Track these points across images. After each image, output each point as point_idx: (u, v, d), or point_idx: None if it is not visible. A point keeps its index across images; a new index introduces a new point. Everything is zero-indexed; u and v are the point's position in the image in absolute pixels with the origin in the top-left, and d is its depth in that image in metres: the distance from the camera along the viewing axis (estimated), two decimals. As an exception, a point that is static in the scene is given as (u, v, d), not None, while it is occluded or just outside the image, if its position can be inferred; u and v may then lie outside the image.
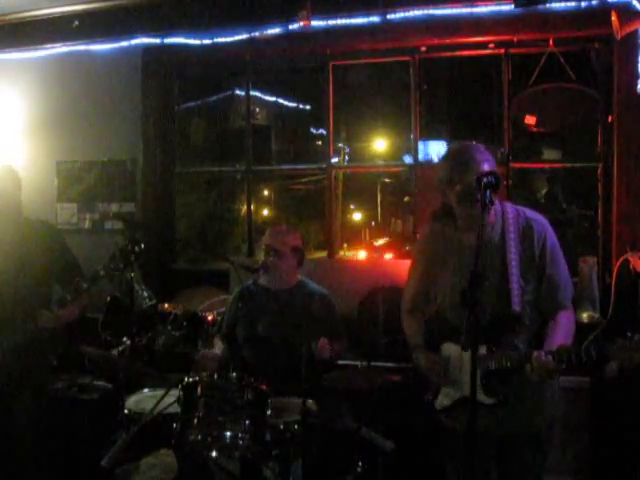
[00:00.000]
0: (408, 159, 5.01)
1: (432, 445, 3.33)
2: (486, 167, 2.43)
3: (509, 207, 2.59)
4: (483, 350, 2.45)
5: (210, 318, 4.12)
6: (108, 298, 4.55)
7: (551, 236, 2.57)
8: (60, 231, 3.32)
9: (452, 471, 2.74)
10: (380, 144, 6.15)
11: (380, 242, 6.62)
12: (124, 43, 5.06)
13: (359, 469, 3.01)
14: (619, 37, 3.76)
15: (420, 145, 4.86)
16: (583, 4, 4.08)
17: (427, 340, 2.73)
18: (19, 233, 3.10)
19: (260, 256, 3.57)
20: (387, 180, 6.72)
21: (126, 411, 3.09)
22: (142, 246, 2.98)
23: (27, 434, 3.06)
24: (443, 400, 2.62)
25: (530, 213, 2.63)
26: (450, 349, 2.61)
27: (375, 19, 4.47)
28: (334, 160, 5.26)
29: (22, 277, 3.03)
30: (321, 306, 3.52)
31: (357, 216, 7.26)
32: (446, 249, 2.64)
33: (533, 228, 2.54)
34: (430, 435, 3.43)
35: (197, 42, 4.89)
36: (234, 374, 2.85)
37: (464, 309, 2.40)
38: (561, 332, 2.46)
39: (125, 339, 4.15)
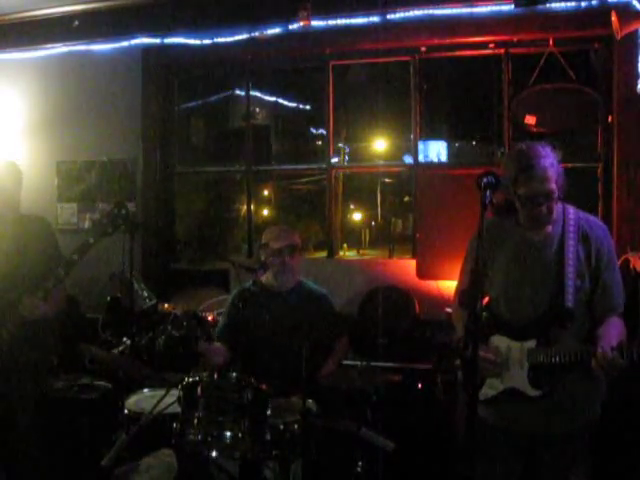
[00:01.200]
0: (408, 159, 5.01)
1: (439, 439, 3.34)
2: (550, 174, 2.46)
3: (571, 209, 2.63)
4: (533, 343, 2.49)
5: (210, 318, 4.12)
6: (108, 298, 4.56)
7: (609, 242, 2.61)
8: (52, 227, 3.31)
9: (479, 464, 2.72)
10: (380, 144, 6.15)
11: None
12: (124, 43, 5.07)
13: (359, 469, 3.01)
14: (619, 37, 3.76)
15: (420, 145, 4.86)
16: (583, 4, 4.08)
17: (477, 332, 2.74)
18: (16, 229, 3.10)
19: (265, 255, 3.53)
20: (387, 180, 6.72)
21: (126, 411, 3.09)
22: (128, 209, 3.00)
23: (27, 434, 3.06)
24: (488, 391, 2.62)
25: (591, 218, 2.68)
26: (499, 341, 2.62)
27: (375, 19, 4.48)
28: (334, 160, 5.26)
29: (20, 273, 3.03)
30: (320, 305, 3.53)
31: (357, 216, 7.26)
32: (502, 243, 2.66)
33: (592, 231, 2.58)
34: (433, 432, 3.44)
35: (197, 42, 4.89)
36: (234, 374, 2.85)
37: (518, 302, 2.52)
38: (615, 332, 2.48)
39: (125, 339, 4.15)
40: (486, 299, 2.73)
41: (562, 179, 2.52)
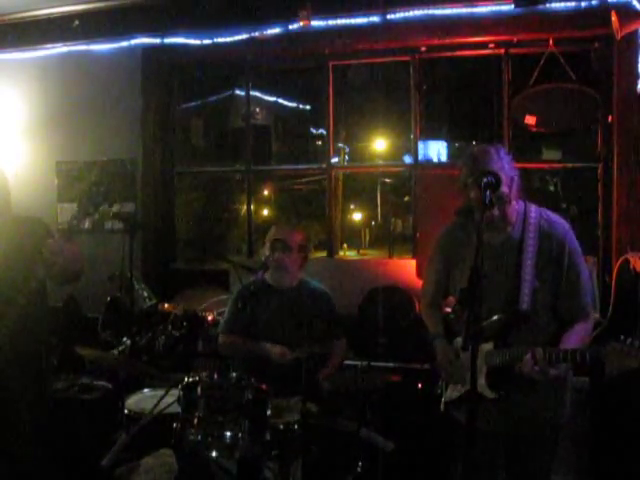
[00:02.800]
0: (408, 159, 5.01)
1: (439, 439, 3.35)
2: (501, 177, 2.42)
3: (533, 208, 2.61)
4: (490, 346, 2.49)
5: (210, 318, 4.12)
6: (108, 298, 4.55)
7: (571, 240, 2.58)
8: (49, 227, 3.30)
9: (460, 465, 2.74)
10: (380, 144, 6.15)
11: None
12: (124, 43, 5.07)
13: (359, 469, 3.01)
14: (619, 37, 3.76)
15: (420, 145, 4.86)
16: (583, 4, 4.08)
17: (444, 333, 2.75)
18: (11, 231, 3.10)
19: (263, 253, 3.55)
20: (387, 180, 6.72)
21: (126, 411, 3.09)
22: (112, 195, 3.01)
23: (27, 433, 3.05)
24: (452, 393, 2.64)
25: (553, 216, 2.64)
26: (460, 344, 2.62)
27: (375, 19, 4.47)
28: (334, 160, 5.26)
29: (16, 272, 3.02)
30: (322, 304, 3.53)
31: (357, 216, 7.27)
32: (466, 245, 2.66)
33: (553, 230, 2.55)
34: (433, 432, 3.45)
35: (197, 42, 4.89)
36: (234, 374, 2.85)
37: (468, 306, 2.44)
38: (573, 338, 2.46)
39: (125, 339, 4.15)
40: (452, 300, 2.74)
41: (516, 181, 2.51)
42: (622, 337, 2.21)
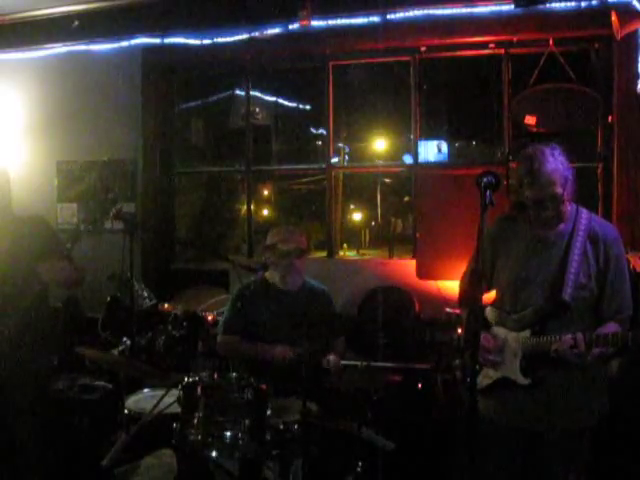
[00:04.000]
0: (408, 159, 5.01)
1: (429, 442, 3.34)
2: (555, 177, 2.46)
3: (584, 212, 2.65)
4: (527, 333, 2.52)
5: (210, 318, 4.12)
6: (108, 298, 4.55)
7: (619, 247, 2.61)
8: (44, 219, 3.29)
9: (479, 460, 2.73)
10: (380, 144, 6.15)
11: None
12: (124, 43, 5.07)
13: (359, 469, 3.01)
14: (619, 37, 3.76)
15: (420, 145, 4.86)
16: (583, 4, 4.08)
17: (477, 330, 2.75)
18: (11, 231, 3.10)
19: (273, 256, 3.52)
20: (387, 180, 6.72)
21: (126, 411, 3.08)
22: (112, 194, 3.02)
23: (28, 433, 3.05)
24: (483, 380, 2.64)
25: (602, 221, 2.71)
26: (498, 331, 2.64)
27: (375, 19, 4.48)
28: (334, 160, 5.27)
29: (17, 273, 3.02)
30: (321, 303, 3.53)
31: (357, 216, 7.26)
32: (514, 237, 2.68)
33: (602, 234, 2.59)
34: (433, 432, 3.44)
35: (197, 42, 4.89)
36: (234, 374, 2.85)
37: (521, 295, 2.54)
38: (609, 327, 2.48)
39: (125, 339, 4.15)
40: (493, 294, 2.75)
41: (570, 182, 2.52)
42: None
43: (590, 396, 2.59)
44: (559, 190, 2.47)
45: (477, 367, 2.62)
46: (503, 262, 2.71)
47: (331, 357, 3.32)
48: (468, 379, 2.65)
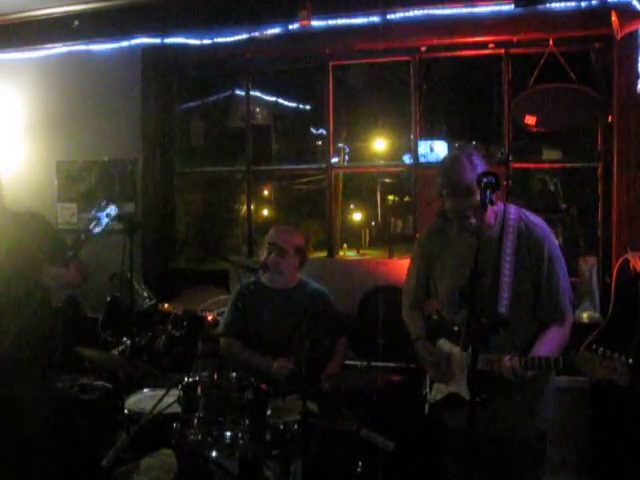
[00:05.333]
0: (408, 159, 5.00)
1: (430, 441, 3.35)
2: (474, 186, 2.38)
3: (512, 210, 2.59)
4: (469, 350, 2.46)
5: (210, 318, 4.12)
6: (108, 298, 4.55)
7: (551, 243, 2.56)
8: (42, 217, 3.29)
9: (450, 466, 2.75)
10: (380, 144, 6.15)
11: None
12: (124, 43, 5.06)
13: (359, 469, 3.01)
14: (619, 37, 3.76)
15: (420, 145, 4.86)
16: (583, 4, 4.07)
17: (427, 335, 2.75)
18: (9, 228, 3.09)
19: (262, 254, 3.56)
20: (387, 180, 6.72)
21: (126, 411, 3.09)
22: (114, 210, 3.02)
23: (29, 434, 3.05)
24: (436, 394, 2.65)
25: (532, 217, 2.62)
26: (444, 345, 2.62)
27: (375, 19, 4.47)
28: (334, 160, 5.26)
29: (13, 270, 3.02)
30: (322, 305, 3.53)
31: (357, 216, 7.27)
32: (446, 248, 2.66)
33: (533, 232, 2.54)
34: (427, 432, 3.45)
35: (197, 42, 4.89)
36: (234, 374, 2.85)
37: (459, 307, 2.49)
38: (547, 345, 2.46)
39: (125, 339, 4.15)
40: (435, 304, 2.75)
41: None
42: (594, 346, 2.22)
43: (536, 405, 2.58)
44: (478, 198, 2.41)
45: (434, 379, 2.64)
46: (438, 274, 2.69)
47: (327, 384, 3.27)
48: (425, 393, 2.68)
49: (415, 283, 2.84)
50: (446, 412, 2.65)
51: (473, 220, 2.47)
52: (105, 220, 3.01)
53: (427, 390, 2.72)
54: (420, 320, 2.80)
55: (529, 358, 2.36)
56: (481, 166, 2.49)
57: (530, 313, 2.54)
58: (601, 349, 2.19)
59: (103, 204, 3.04)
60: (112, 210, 3.04)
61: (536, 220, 2.62)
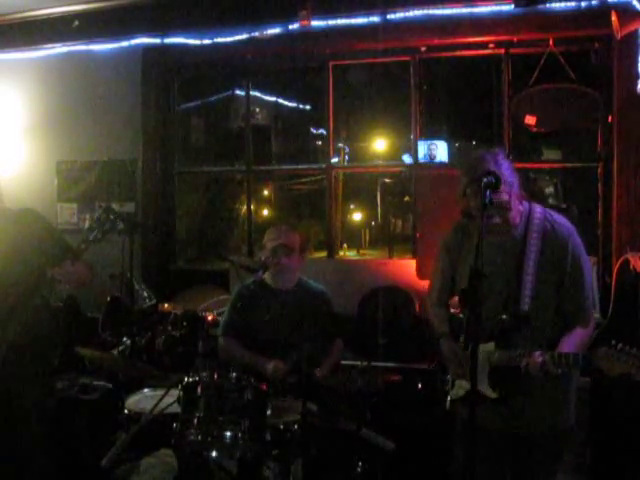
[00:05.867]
0: (408, 159, 5.01)
1: (440, 439, 3.35)
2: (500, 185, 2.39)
3: (538, 209, 2.60)
4: (491, 346, 2.49)
5: (210, 318, 4.12)
6: (108, 298, 4.55)
7: (575, 243, 2.56)
8: (40, 214, 3.28)
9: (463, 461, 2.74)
10: (380, 144, 6.16)
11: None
12: (124, 43, 5.06)
13: (359, 469, 3.01)
14: (619, 37, 3.76)
15: (420, 145, 4.86)
16: (583, 4, 4.07)
17: (450, 332, 2.76)
18: (5, 226, 3.08)
19: (264, 255, 3.54)
20: (387, 180, 6.73)
21: (126, 411, 3.08)
22: (117, 213, 3.01)
23: (30, 436, 3.05)
24: (458, 391, 2.64)
25: (557, 217, 2.63)
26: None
27: (375, 19, 4.47)
28: (334, 160, 5.27)
29: (11, 267, 3.01)
30: (321, 304, 3.52)
31: (357, 216, 7.28)
32: (467, 246, 2.67)
33: (557, 232, 2.54)
34: (433, 432, 3.45)
35: (197, 42, 4.89)
36: (234, 374, 2.85)
37: (482, 306, 2.45)
38: (571, 343, 2.46)
39: (125, 339, 4.15)
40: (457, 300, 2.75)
41: (516, 186, 2.49)
42: (613, 342, 2.22)
43: (557, 402, 2.58)
44: (504, 197, 2.43)
45: (456, 376, 2.65)
46: (462, 271, 2.68)
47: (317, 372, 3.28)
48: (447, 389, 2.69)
49: (440, 281, 2.84)
50: (466, 408, 2.65)
51: (497, 219, 2.48)
52: (101, 233, 3.01)
53: (449, 386, 2.72)
54: (444, 317, 2.80)
55: (560, 354, 2.36)
56: (505, 166, 2.49)
57: (553, 312, 2.55)
58: (620, 345, 2.20)
59: (103, 216, 3.02)
60: (110, 224, 3.03)
61: (561, 220, 2.62)
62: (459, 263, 2.71)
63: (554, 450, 2.61)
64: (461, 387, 2.64)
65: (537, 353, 2.37)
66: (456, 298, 2.75)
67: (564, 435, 2.63)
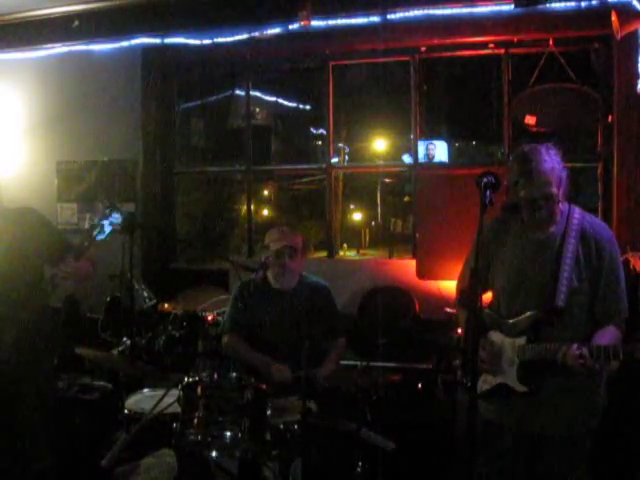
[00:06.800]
0: (408, 159, 5.01)
1: (430, 442, 3.34)
2: (550, 177, 2.44)
3: (577, 211, 2.62)
4: (522, 340, 2.50)
5: (210, 318, 4.12)
6: (108, 298, 4.56)
7: (612, 247, 2.59)
8: (39, 212, 3.27)
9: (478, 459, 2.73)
10: (380, 144, 6.16)
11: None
12: (124, 43, 5.07)
13: (359, 469, 3.01)
14: (619, 37, 3.76)
15: (420, 145, 4.86)
16: (583, 4, 4.07)
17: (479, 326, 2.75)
18: (4, 226, 3.08)
19: (267, 256, 3.53)
20: (387, 180, 6.73)
21: (126, 411, 3.08)
22: (121, 211, 3.01)
23: (30, 433, 3.05)
24: (483, 385, 2.64)
25: (596, 220, 2.67)
26: (495, 336, 2.63)
27: (375, 19, 4.47)
28: (334, 160, 5.26)
29: (10, 267, 3.01)
30: (321, 299, 3.52)
31: (357, 216, 7.27)
32: (506, 241, 2.67)
33: (596, 234, 2.57)
34: (430, 432, 3.45)
35: (197, 42, 4.89)
36: (234, 374, 2.85)
37: (516, 300, 2.53)
38: (606, 337, 2.46)
39: (125, 339, 4.15)
40: (490, 295, 2.75)
41: (566, 182, 2.51)
42: None
43: (586, 400, 2.58)
44: (554, 190, 2.45)
45: (476, 370, 2.64)
46: (497, 265, 2.70)
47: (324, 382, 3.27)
48: (465, 381, 2.68)
49: (478, 259, 2.84)
50: (492, 404, 2.64)
51: (544, 212, 2.50)
52: (109, 228, 3.01)
53: (462, 376, 2.71)
54: (478, 291, 2.79)
55: (599, 346, 2.35)
56: (557, 160, 2.51)
57: (586, 312, 2.56)
58: None
59: (107, 212, 3.03)
60: (116, 218, 3.03)
61: (600, 223, 2.68)
62: (494, 258, 2.71)
63: (580, 450, 2.59)
64: (486, 382, 2.63)
65: (575, 345, 2.36)
66: (489, 293, 2.77)
67: (590, 434, 2.60)
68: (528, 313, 2.52)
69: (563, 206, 2.59)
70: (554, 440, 2.57)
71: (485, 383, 2.64)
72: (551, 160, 2.49)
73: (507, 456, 2.61)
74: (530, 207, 2.52)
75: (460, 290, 2.83)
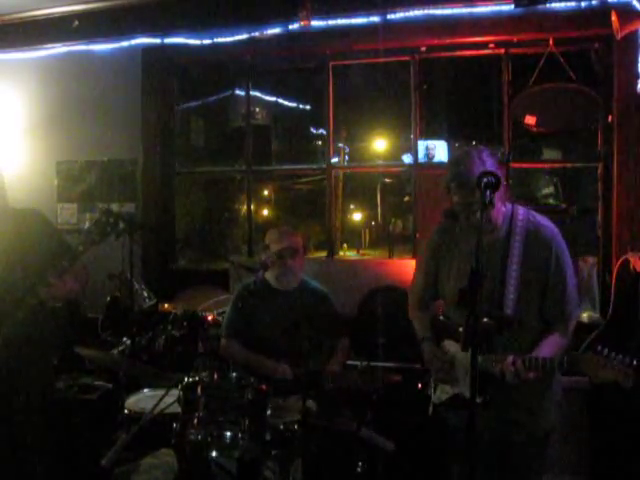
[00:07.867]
0: (408, 159, 5.01)
1: (433, 442, 3.35)
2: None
3: (520, 211, 2.58)
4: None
5: (210, 318, 4.12)
6: (108, 298, 4.55)
7: (558, 245, 2.54)
8: (43, 214, 3.27)
9: (452, 466, 2.76)
10: (380, 144, 6.16)
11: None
12: (124, 43, 5.06)
13: (359, 469, 3.01)
14: (619, 37, 3.76)
15: (420, 145, 4.86)
16: (583, 4, 4.07)
17: (432, 336, 2.75)
18: (6, 225, 3.08)
19: (268, 257, 3.53)
20: (387, 180, 6.73)
21: (126, 411, 3.09)
22: (117, 215, 3.00)
23: (29, 436, 3.05)
24: (441, 395, 2.64)
25: (540, 219, 2.62)
26: (450, 346, 2.62)
27: (375, 19, 4.47)
28: (334, 160, 5.26)
29: (14, 268, 3.00)
30: (322, 306, 3.53)
31: (357, 216, 7.28)
32: (452, 248, 2.66)
33: (540, 234, 2.53)
34: (431, 432, 3.45)
35: (197, 42, 4.89)
36: (234, 374, 2.85)
37: (463, 308, 2.43)
38: (549, 346, 2.46)
39: (125, 339, 4.15)
40: (441, 303, 2.75)
41: (502, 184, 2.45)
42: (599, 348, 2.21)
43: (537, 406, 2.57)
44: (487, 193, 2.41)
45: (439, 380, 2.64)
46: (445, 274, 2.68)
47: (329, 383, 3.27)
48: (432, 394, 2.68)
49: (422, 283, 2.83)
50: (450, 413, 2.64)
51: (478, 215, 2.46)
52: (106, 230, 3.00)
53: (431, 391, 2.72)
54: (427, 320, 2.79)
55: (531, 358, 2.35)
56: (490, 163, 2.47)
57: (536, 315, 2.54)
58: (605, 350, 2.19)
59: (104, 219, 3.01)
60: (112, 225, 3.02)
61: (544, 222, 2.61)
62: (442, 265, 2.70)
63: (538, 453, 2.61)
64: (444, 392, 2.63)
65: (510, 358, 2.36)
66: (440, 301, 2.76)
67: (546, 437, 2.62)
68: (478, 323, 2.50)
69: (506, 208, 2.56)
70: (512, 445, 2.57)
71: (443, 393, 2.64)
72: (482, 163, 2.44)
73: (482, 460, 2.60)
74: (464, 212, 2.48)
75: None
